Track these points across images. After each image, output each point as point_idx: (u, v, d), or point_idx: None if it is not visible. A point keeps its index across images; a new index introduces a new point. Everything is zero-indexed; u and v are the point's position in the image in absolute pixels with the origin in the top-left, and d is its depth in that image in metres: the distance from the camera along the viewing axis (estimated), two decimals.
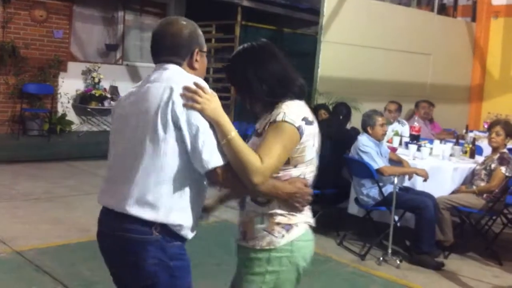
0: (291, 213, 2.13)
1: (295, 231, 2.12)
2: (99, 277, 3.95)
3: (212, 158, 1.92)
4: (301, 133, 2.07)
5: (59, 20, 9.74)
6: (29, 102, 9.30)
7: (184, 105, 1.91)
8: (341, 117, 6.20)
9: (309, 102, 7.58)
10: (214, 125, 1.94)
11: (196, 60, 2.12)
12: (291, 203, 2.10)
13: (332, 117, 6.23)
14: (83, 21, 10.26)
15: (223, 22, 10.29)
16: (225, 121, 1.95)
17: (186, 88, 1.94)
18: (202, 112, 1.92)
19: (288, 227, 2.11)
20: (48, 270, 4.18)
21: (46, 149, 8.62)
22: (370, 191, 5.09)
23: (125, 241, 2.00)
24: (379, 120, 5.19)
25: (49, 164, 7.97)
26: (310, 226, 2.20)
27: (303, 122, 2.08)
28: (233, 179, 1.96)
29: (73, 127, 9.90)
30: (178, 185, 1.99)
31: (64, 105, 9.81)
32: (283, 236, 2.10)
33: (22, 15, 9.29)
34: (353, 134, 5.72)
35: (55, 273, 4.13)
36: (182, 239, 2.06)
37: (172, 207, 1.99)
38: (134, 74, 10.58)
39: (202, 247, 4.57)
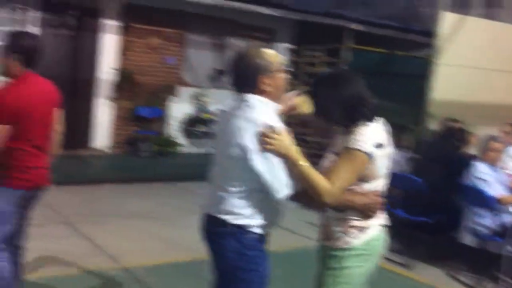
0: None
1: (368, 233, 2.46)
2: None
3: (282, 189, 2.33)
4: (371, 158, 2.35)
5: (172, 47, 10.19)
6: (142, 125, 9.75)
7: (259, 146, 2.30)
8: (454, 141, 5.81)
9: (420, 125, 7.38)
10: (285, 159, 2.30)
11: (266, 84, 2.43)
12: (364, 212, 2.42)
13: (445, 141, 5.85)
14: (194, 47, 10.63)
15: (331, 46, 10.19)
16: (294, 153, 2.29)
17: (260, 133, 2.29)
18: (274, 151, 2.28)
19: (362, 229, 2.45)
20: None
21: (155, 170, 8.95)
22: (486, 220, 4.67)
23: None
24: (494, 145, 4.81)
25: (156, 184, 8.23)
26: (383, 226, 2.53)
27: (374, 148, 2.35)
28: (304, 200, 2.37)
29: (182, 149, 10.21)
30: (248, 196, 2.42)
31: (174, 128, 10.17)
32: (357, 237, 2.45)
33: (138, 42, 9.82)
34: (467, 160, 5.32)
35: None
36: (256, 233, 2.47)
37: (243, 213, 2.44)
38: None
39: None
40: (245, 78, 2.45)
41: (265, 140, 2.28)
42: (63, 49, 9.25)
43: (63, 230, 5.60)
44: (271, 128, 2.29)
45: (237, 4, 9.85)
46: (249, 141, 2.31)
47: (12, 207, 3.17)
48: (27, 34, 3.47)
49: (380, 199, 2.45)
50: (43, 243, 5.06)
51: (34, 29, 8.76)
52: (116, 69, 9.56)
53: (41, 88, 3.25)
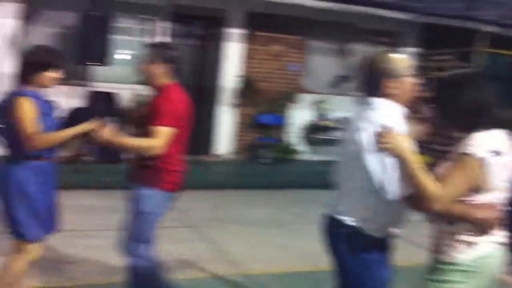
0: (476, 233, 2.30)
1: (478, 249, 2.30)
2: None
3: (393, 190, 2.34)
4: (486, 165, 2.21)
5: (294, 54, 10.16)
6: (263, 132, 9.81)
7: (376, 146, 2.31)
8: None
9: None
10: (399, 160, 2.27)
11: (390, 87, 2.47)
12: (477, 227, 2.28)
13: None
14: (315, 54, 10.52)
15: (462, 50, 9.58)
16: (408, 155, 2.25)
17: (376, 133, 2.32)
18: (388, 151, 2.28)
19: (471, 244, 2.31)
20: None
21: (275, 177, 8.93)
22: None
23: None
24: None
25: (277, 191, 8.19)
26: (500, 244, 2.35)
27: (489, 154, 2.21)
28: (414, 204, 2.31)
29: (302, 157, 10.11)
30: (364, 197, 2.47)
31: (294, 135, 10.11)
32: (465, 252, 2.31)
33: (261, 50, 9.90)
34: None
35: None
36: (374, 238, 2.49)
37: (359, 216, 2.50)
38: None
39: None
40: (370, 82, 2.53)
41: (380, 140, 2.30)
42: (190, 58, 9.56)
43: (189, 234, 5.72)
44: (388, 129, 2.31)
45: (361, 9, 9.59)
46: (365, 140, 2.37)
47: (161, 209, 3.34)
48: (172, 45, 3.63)
49: (497, 214, 2.30)
50: (171, 245, 5.19)
51: (163, 39, 9.16)
52: (239, 77, 9.70)
53: (185, 96, 3.39)
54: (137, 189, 3.30)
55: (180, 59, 3.44)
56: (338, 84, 10.70)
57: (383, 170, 2.35)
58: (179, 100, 3.31)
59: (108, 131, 3.15)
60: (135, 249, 3.32)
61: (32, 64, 3.24)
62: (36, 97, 3.24)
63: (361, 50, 10.78)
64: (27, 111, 3.13)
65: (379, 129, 2.33)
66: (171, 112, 3.21)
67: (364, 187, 2.42)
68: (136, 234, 3.31)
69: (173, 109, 3.23)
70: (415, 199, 2.29)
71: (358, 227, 2.48)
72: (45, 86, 3.29)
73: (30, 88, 3.24)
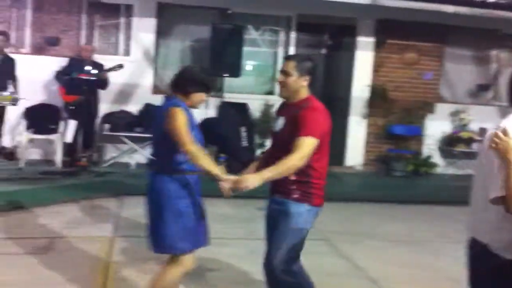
0: None
1: None
2: None
3: (494, 190, 2.24)
4: None
5: (430, 62, 9.68)
6: (395, 143, 9.43)
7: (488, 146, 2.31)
8: None
9: None
10: (504, 162, 2.23)
11: None
12: None
13: None
14: (454, 61, 9.92)
15: None
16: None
17: (492, 135, 2.30)
18: (497, 152, 2.26)
19: None
20: None
21: (409, 190, 8.50)
22: None
23: None
24: None
25: (410, 206, 7.76)
26: None
27: None
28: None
29: (438, 170, 9.58)
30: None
31: (430, 147, 9.61)
32: None
33: (393, 58, 9.55)
34: None
35: None
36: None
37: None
38: (505, 115, 9.64)
39: None
40: None
41: (493, 141, 2.28)
42: (320, 68, 9.46)
43: (322, 247, 5.56)
44: (503, 130, 2.28)
45: (503, 13, 8.89)
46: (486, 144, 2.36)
47: (311, 224, 3.29)
48: (311, 56, 3.57)
49: None
50: (305, 259, 5.08)
51: (293, 50, 9.17)
52: (370, 86, 9.43)
53: (325, 108, 3.30)
54: (284, 203, 3.22)
55: (318, 70, 3.35)
56: (478, 94, 10.05)
57: (488, 171, 2.31)
58: (323, 111, 3.24)
59: (251, 178, 2.99)
60: (287, 266, 3.25)
61: (192, 82, 3.31)
62: (187, 110, 3.29)
63: (503, 57, 10.05)
64: (184, 121, 3.17)
65: (495, 131, 2.30)
66: (319, 124, 3.14)
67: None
68: (286, 250, 3.23)
69: (319, 120, 3.16)
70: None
71: (489, 247, 2.35)
72: (193, 105, 3.36)
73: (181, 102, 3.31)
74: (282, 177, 3.11)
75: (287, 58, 3.45)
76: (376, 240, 6.01)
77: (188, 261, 3.37)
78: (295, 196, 3.18)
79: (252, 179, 2.96)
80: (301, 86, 3.23)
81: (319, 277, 4.56)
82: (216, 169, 3.10)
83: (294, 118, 3.17)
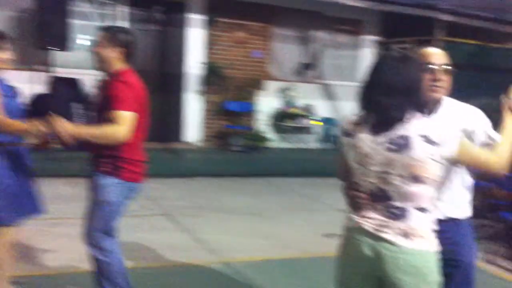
0: None
1: None
2: None
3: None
4: None
5: (258, 41, 10.13)
6: (231, 119, 9.78)
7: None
8: None
9: None
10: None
11: None
12: None
13: None
14: (280, 41, 10.52)
15: (422, 38, 9.80)
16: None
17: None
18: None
19: None
20: (254, 284, 4.18)
21: (248, 165, 8.88)
22: None
23: None
24: None
25: (249, 179, 8.16)
26: None
27: None
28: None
29: (273, 144, 10.12)
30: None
31: (262, 122, 10.12)
32: None
33: (225, 37, 9.83)
34: None
35: None
36: None
37: None
38: (329, 93, 10.56)
39: None
40: None
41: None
42: (151, 44, 9.40)
43: (164, 222, 5.64)
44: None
45: None
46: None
47: (123, 199, 3.25)
48: (126, 29, 3.53)
49: None
50: (146, 234, 5.14)
51: (124, 24, 8.97)
52: (204, 63, 9.62)
53: (141, 82, 3.27)
54: (97, 179, 3.21)
55: (135, 43, 3.28)
56: (302, 72, 10.77)
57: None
58: (136, 85, 3.19)
59: (66, 124, 2.95)
60: (97, 240, 3.24)
61: None
62: None
63: (324, 37, 10.89)
64: None
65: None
66: (130, 97, 3.08)
67: None
68: (97, 224, 3.23)
69: (132, 94, 3.11)
70: None
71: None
72: None
73: None
74: (96, 152, 3.14)
75: (101, 29, 3.35)
76: (219, 212, 6.21)
77: (7, 232, 3.24)
78: (104, 169, 3.17)
79: (67, 125, 2.94)
80: (113, 57, 3.17)
81: (160, 251, 4.69)
82: (25, 125, 3.01)
83: (108, 91, 3.14)
